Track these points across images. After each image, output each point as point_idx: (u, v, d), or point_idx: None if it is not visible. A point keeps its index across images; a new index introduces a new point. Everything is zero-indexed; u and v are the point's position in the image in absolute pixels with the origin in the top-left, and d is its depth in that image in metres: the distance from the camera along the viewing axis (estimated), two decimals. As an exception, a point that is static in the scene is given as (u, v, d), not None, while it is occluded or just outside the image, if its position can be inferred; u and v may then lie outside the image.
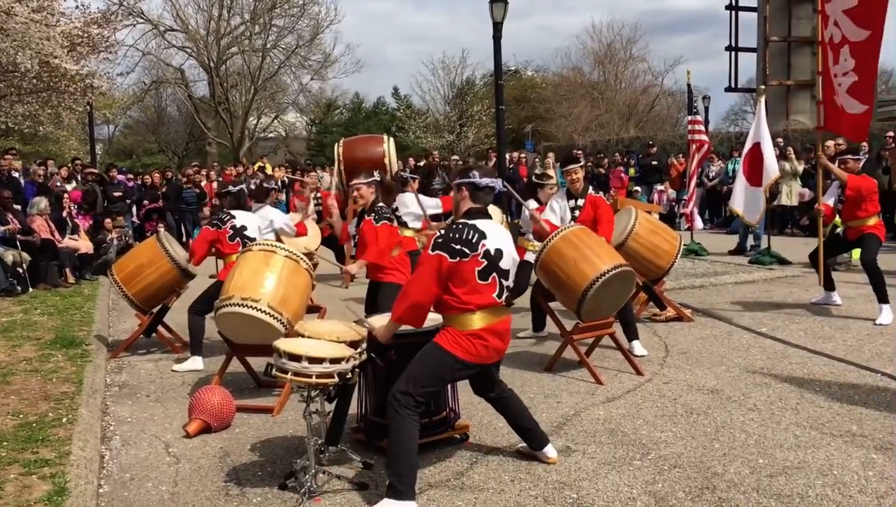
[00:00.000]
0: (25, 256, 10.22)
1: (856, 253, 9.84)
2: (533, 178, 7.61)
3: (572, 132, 34.84)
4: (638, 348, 6.33)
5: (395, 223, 5.70)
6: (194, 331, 6.38)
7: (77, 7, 14.02)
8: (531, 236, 7.06)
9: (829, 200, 8.11)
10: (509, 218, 12.48)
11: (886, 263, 8.30)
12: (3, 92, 13.58)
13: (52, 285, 10.50)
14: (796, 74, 24.09)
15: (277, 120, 40.96)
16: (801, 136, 18.79)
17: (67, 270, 11.02)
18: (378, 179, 5.72)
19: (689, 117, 12.86)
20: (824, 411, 4.87)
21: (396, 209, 7.05)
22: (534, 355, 6.54)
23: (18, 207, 11.26)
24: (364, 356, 4.03)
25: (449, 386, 4.49)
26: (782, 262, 11.03)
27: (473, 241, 3.76)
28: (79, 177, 14.85)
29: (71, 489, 3.78)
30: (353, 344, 3.98)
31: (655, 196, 17.92)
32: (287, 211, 15.75)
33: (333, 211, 6.00)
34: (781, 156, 14.17)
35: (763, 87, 14.74)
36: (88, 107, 18.05)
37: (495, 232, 3.87)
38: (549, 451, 4.16)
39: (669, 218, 15.97)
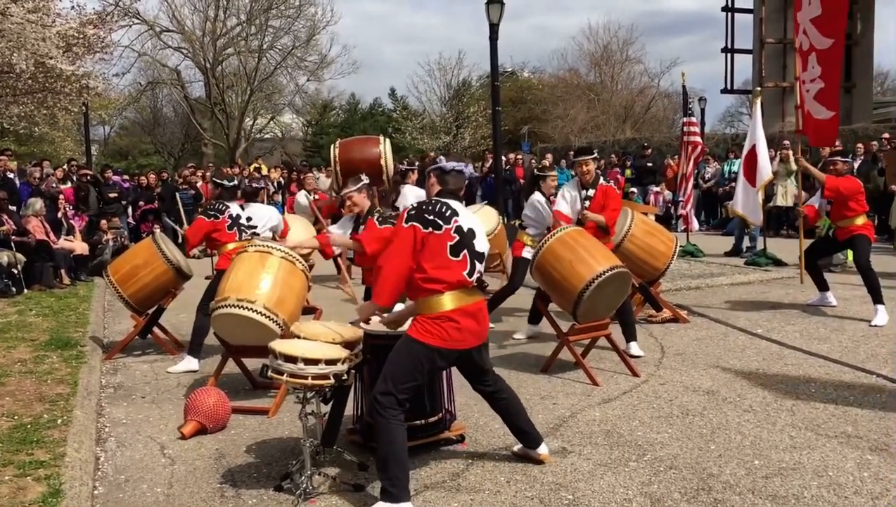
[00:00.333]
0: (20, 257, 10.19)
1: (851, 255, 9.88)
2: (535, 171, 7.66)
3: (568, 133, 34.90)
4: (634, 349, 6.34)
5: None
6: (198, 331, 6.36)
7: (73, 8, 13.96)
8: (531, 231, 7.05)
9: (815, 202, 8.16)
10: (506, 220, 12.48)
11: (882, 264, 8.33)
12: (-1, 93, 13.55)
13: (47, 287, 10.48)
14: (792, 76, 24.08)
15: (274, 121, 40.93)
16: (799, 138, 18.81)
17: (62, 271, 11.00)
18: (366, 182, 5.70)
19: (685, 119, 12.89)
20: (820, 412, 4.88)
21: (399, 210, 7.04)
22: (530, 356, 6.54)
23: (14, 208, 11.23)
24: (360, 358, 4.03)
25: (445, 388, 4.48)
26: (778, 263, 11.04)
27: (447, 214, 3.75)
28: (74, 178, 14.82)
29: (66, 490, 3.77)
30: (349, 345, 3.97)
31: (652, 198, 17.92)
32: (283, 211, 15.75)
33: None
34: (786, 157, 14.24)
35: (759, 88, 14.78)
36: (84, 108, 17.98)
37: (468, 214, 3.87)
38: (542, 449, 4.16)
39: (665, 219, 15.99)
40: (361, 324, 4.21)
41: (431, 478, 4.03)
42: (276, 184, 17.83)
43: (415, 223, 3.72)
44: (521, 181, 17.89)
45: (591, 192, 6.69)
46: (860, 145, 15.05)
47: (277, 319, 4.93)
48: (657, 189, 18.21)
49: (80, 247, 11.83)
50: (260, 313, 4.91)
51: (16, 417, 4.93)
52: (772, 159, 13.68)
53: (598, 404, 5.18)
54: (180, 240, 14.72)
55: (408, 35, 68.72)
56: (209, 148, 35.22)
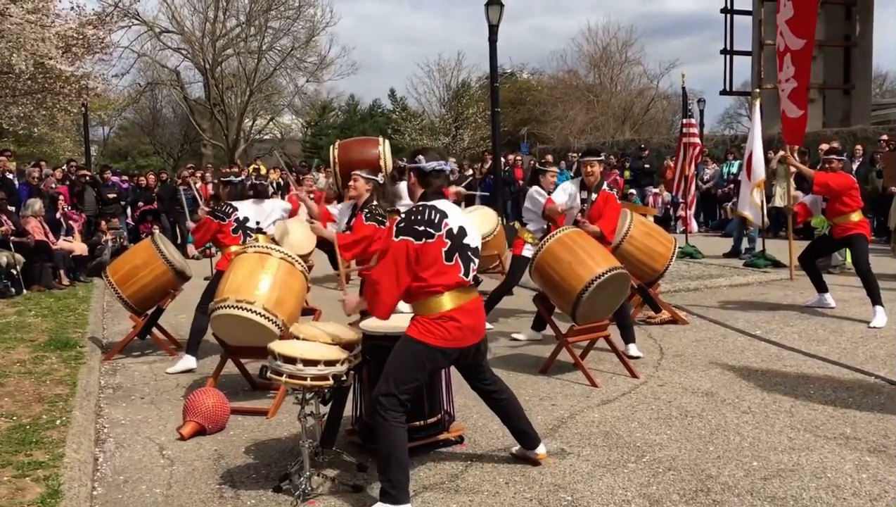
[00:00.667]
0: (19, 257, 10.19)
1: (849, 256, 9.89)
2: (537, 165, 7.66)
3: (568, 135, 34.92)
4: (633, 349, 6.34)
5: (385, 226, 5.70)
6: (196, 331, 6.36)
7: (72, 8, 13.98)
8: (531, 227, 7.05)
9: (807, 199, 8.18)
10: (505, 220, 12.48)
11: (880, 266, 8.34)
12: (-2, 93, 13.55)
13: (46, 287, 10.48)
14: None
15: (273, 122, 40.96)
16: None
17: (62, 271, 10.99)
18: (380, 181, 5.73)
19: (684, 120, 12.92)
20: (818, 413, 4.88)
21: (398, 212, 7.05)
22: (529, 357, 6.54)
23: (13, 208, 11.22)
24: (359, 359, 4.03)
25: (444, 389, 4.49)
26: (777, 265, 11.05)
27: (436, 221, 3.70)
28: (72, 178, 14.82)
29: (64, 491, 3.77)
30: (348, 346, 3.98)
31: (650, 199, 17.94)
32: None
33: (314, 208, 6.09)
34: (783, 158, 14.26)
35: (758, 90, 14.76)
36: (83, 108, 18.00)
37: (455, 212, 3.85)
38: (540, 449, 4.15)
39: (664, 221, 16.01)
40: (360, 325, 4.21)
41: (430, 479, 4.04)
42: (274, 185, 17.81)
43: (405, 237, 3.66)
44: (520, 182, 17.90)
45: (593, 196, 6.64)
46: (859, 147, 15.07)
47: (276, 320, 4.93)
48: (656, 191, 18.24)
49: (79, 248, 11.83)
50: (259, 313, 4.91)
51: (15, 417, 4.93)
52: (770, 161, 13.71)
53: (597, 406, 5.18)
54: (180, 241, 14.79)
55: (407, 36, 68.82)
56: (208, 149, 35.23)
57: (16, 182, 12.74)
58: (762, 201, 10.97)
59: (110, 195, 14.76)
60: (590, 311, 5.60)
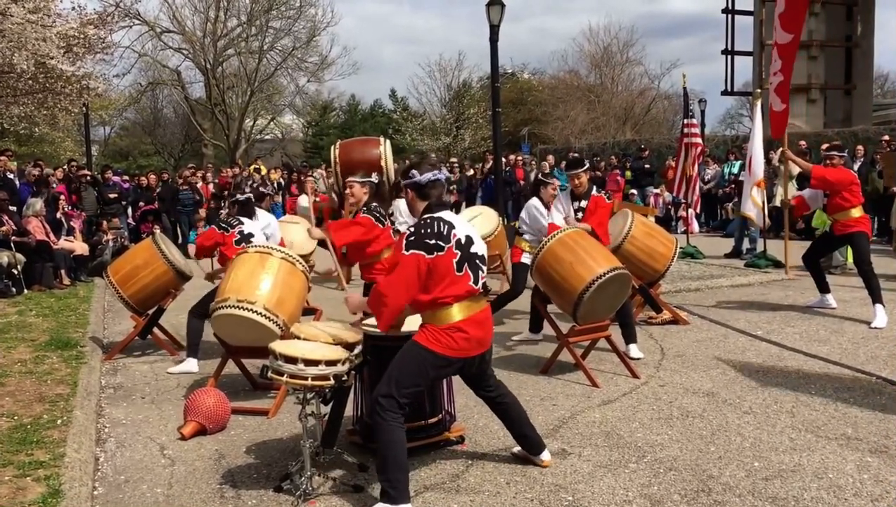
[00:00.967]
0: (20, 257, 10.19)
1: (850, 256, 9.88)
2: (540, 176, 7.68)
3: (568, 135, 34.94)
4: (634, 351, 6.33)
5: (388, 224, 5.69)
6: (192, 333, 6.36)
7: (73, 8, 14.00)
8: (527, 237, 7.08)
9: (805, 193, 8.17)
10: (506, 221, 12.48)
11: (882, 266, 8.33)
12: (-1, 93, 13.56)
13: (46, 287, 10.48)
14: (792, 78, 24.15)
15: (274, 122, 40.97)
16: (796, 139, 18.85)
17: (62, 271, 11.00)
18: (375, 181, 5.73)
19: (685, 120, 12.91)
20: (819, 414, 4.88)
21: (392, 214, 7.07)
22: (530, 357, 6.54)
23: (13, 208, 11.23)
24: (360, 359, 4.03)
25: (445, 390, 4.49)
26: (778, 265, 11.04)
27: (445, 233, 3.69)
28: (70, 176, 14.82)
29: (65, 491, 3.77)
30: (349, 346, 3.97)
31: (651, 199, 17.94)
32: (283, 213, 15.76)
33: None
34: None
35: (759, 90, 14.78)
36: (84, 108, 18.02)
37: (461, 221, 3.85)
38: (545, 455, 4.15)
39: (665, 221, 16.00)
40: (361, 325, 4.21)
41: (431, 479, 4.03)
42: (276, 185, 17.83)
43: (416, 251, 3.65)
44: (521, 182, 17.91)
45: (583, 203, 6.71)
46: (860, 147, 15.06)
47: (277, 320, 4.93)
48: (657, 191, 18.23)
49: (80, 247, 11.84)
50: (260, 313, 4.91)
51: (16, 417, 4.93)
52: (770, 160, 13.71)
53: (598, 406, 5.17)
54: (181, 240, 14.79)
55: (408, 36, 68.91)
56: (209, 149, 35.26)
57: (17, 182, 12.75)
58: (763, 202, 10.97)
59: (111, 195, 14.77)
60: (591, 311, 5.60)
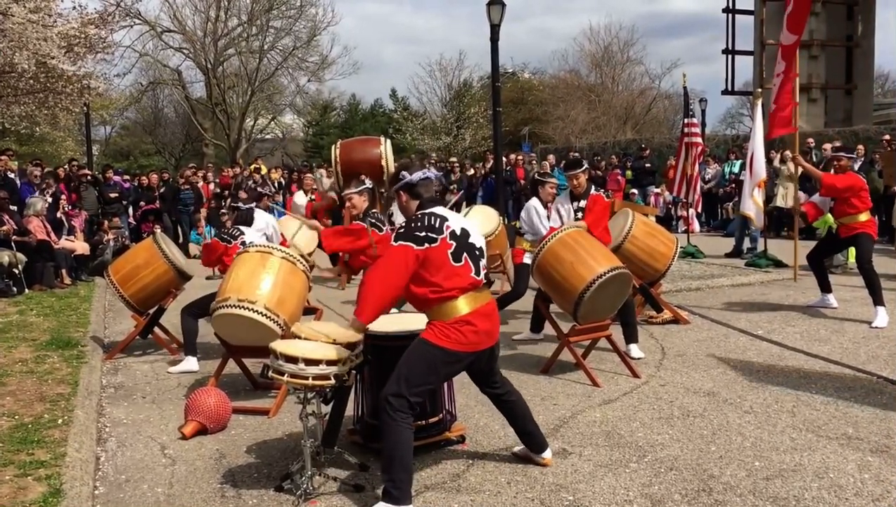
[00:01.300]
0: (21, 257, 10.20)
1: (852, 256, 9.88)
2: (536, 175, 7.68)
3: (569, 134, 34.92)
4: (635, 350, 6.33)
5: (386, 230, 5.70)
6: (187, 332, 6.37)
7: (74, 8, 14.01)
8: (528, 237, 7.08)
9: (815, 199, 8.16)
10: (506, 220, 12.48)
11: (883, 265, 8.32)
12: (0, 93, 13.56)
13: (47, 286, 10.49)
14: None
15: (274, 122, 40.97)
16: (800, 138, 18.87)
17: (63, 271, 11.00)
18: (369, 186, 5.75)
19: (686, 120, 12.91)
20: (820, 413, 4.88)
21: (392, 215, 7.07)
22: (530, 357, 6.54)
23: (14, 208, 11.23)
24: (360, 358, 4.03)
25: (445, 389, 4.48)
26: (779, 265, 11.04)
27: (437, 225, 3.68)
28: (70, 175, 14.83)
29: (66, 490, 3.77)
30: (350, 346, 3.97)
31: (652, 199, 17.94)
32: (283, 214, 15.75)
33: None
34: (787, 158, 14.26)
35: (759, 90, 14.77)
36: (85, 108, 18.03)
37: (455, 216, 3.84)
38: (547, 454, 4.15)
39: (666, 221, 16.00)
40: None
41: (432, 479, 4.03)
42: (276, 184, 17.83)
43: (405, 242, 3.64)
44: (522, 182, 17.91)
45: (582, 203, 6.71)
46: (860, 147, 15.06)
47: (278, 319, 4.93)
48: (657, 190, 18.22)
49: (80, 247, 11.84)
50: (260, 313, 4.91)
51: (16, 417, 4.94)
52: (772, 160, 13.71)
53: (599, 406, 5.17)
54: (182, 240, 14.79)
55: (408, 36, 68.91)
56: (210, 148, 35.26)
57: (17, 181, 12.75)
58: (763, 202, 10.96)
59: (112, 195, 14.77)
60: (591, 310, 5.60)
